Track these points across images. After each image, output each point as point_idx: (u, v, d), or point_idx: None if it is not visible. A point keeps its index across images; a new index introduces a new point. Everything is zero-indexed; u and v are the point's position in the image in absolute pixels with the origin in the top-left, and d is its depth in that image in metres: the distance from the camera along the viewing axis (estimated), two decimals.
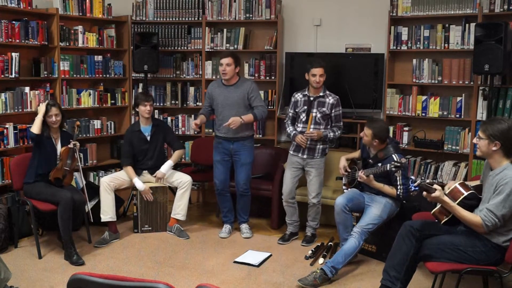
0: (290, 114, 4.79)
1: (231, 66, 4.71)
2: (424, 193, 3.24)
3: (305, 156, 4.67)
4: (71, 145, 4.55)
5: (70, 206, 4.29)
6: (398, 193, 4.11)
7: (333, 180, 5.09)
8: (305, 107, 4.64)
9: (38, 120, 4.44)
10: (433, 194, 3.19)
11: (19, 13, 5.04)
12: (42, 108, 4.48)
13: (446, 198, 3.21)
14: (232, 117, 4.68)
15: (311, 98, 4.63)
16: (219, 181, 4.93)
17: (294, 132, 4.69)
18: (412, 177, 3.27)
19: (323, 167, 4.72)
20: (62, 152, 4.53)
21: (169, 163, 5.00)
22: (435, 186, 3.21)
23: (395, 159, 4.02)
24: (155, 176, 4.99)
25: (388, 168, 3.97)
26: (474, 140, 3.31)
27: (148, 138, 5.05)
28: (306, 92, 4.68)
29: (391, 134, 5.18)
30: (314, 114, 4.58)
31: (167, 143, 5.20)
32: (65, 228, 4.27)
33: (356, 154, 4.60)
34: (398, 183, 4.09)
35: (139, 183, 4.92)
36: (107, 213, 4.79)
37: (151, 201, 4.97)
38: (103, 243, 4.69)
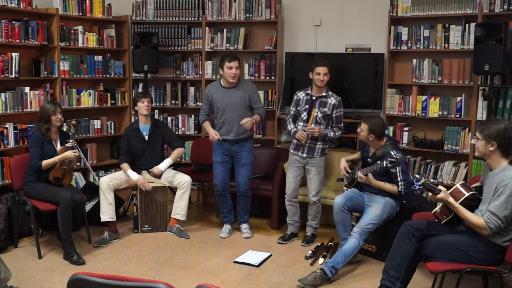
0: (292, 112, 4.79)
1: (239, 69, 4.75)
2: (429, 193, 3.24)
3: (304, 155, 4.67)
4: (68, 144, 4.55)
5: (70, 206, 4.29)
6: (400, 189, 4.11)
7: (333, 180, 5.09)
8: (307, 106, 4.64)
9: (52, 161, 4.44)
10: (438, 196, 3.19)
11: (19, 13, 5.05)
12: (68, 155, 4.46)
13: (451, 199, 3.21)
14: (233, 118, 4.71)
15: (313, 98, 4.63)
16: (219, 182, 4.92)
17: (294, 129, 4.69)
18: (417, 176, 3.26)
19: (323, 166, 4.72)
20: (60, 152, 4.52)
21: (168, 161, 5.00)
22: (440, 187, 3.21)
23: (393, 155, 4.03)
24: (150, 172, 4.98)
25: (384, 165, 3.96)
26: (472, 141, 3.32)
27: (146, 137, 5.05)
28: (309, 91, 4.68)
29: (391, 134, 5.18)
30: (315, 113, 4.58)
31: (167, 143, 5.19)
32: (65, 228, 4.27)
33: (356, 155, 4.60)
34: (399, 179, 4.09)
35: (133, 174, 4.92)
36: (107, 213, 4.79)
37: (151, 201, 4.97)
38: (102, 243, 4.69)
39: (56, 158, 4.44)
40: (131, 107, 6.09)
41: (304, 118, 4.65)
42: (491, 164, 3.25)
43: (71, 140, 4.58)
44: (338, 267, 3.99)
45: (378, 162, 4.12)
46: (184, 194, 4.98)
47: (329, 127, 4.66)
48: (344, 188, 4.57)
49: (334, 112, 4.61)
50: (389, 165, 3.92)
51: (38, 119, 4.51)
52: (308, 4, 5.76)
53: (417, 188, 3.23)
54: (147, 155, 5.06)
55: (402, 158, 4.12)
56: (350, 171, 4.51)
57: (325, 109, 4.59)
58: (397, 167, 4.03)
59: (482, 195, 3.29)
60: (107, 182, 4.82)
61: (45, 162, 4.42)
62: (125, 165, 4.98)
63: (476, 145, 3.26)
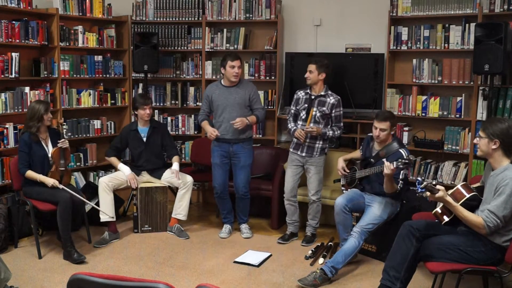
0: (292, 111, 4.80)
1: (241, 69, 4.76)
2: (428, 193, 3.24)
3: (304, 154, 4.67)
4: (60, 144, 4.52)
5: (70, 206, 4.28)
6: (399, 186, 4.07)
7: (331, 181, 5.08)
8: (306, 105, 4.65)
9: (34, 177, 4.40)
10: (437, 195, 3.18)
11: (19, 13, 5.04)
12: (48, 181, 4.39)
13: (449, 199, 3.21)
14: (232, 117, 4.68)
15: (312, 97, 4.63)
16: (218, 185, 4.91)
17: (294, 128, 4.70)
18: (419, 179, 3.24)
19: (323, 165, 4.72)
20: (53, 154, 4.49)
21: (176, 164, 4.99)
22: (438, 186, 3.21)
23: (405, 156, 3.99)
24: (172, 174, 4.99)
25: (395, 166, 3.83)
26: (475, 141, 3.32)
27: (144, 139, 5.05)
28: (308, 90, 4.69)
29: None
30: (314, 112, 4.59)
31: (163, 146, 5.18)
32: (64, 228, 4.26)
33: (354, 154, 4.59)
34: (401, 177, 4.07)
35: (124, 168, 4.93)
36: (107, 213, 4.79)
37: (151, 201, 4.97)
38: (103, 243, 4.69)
39: (38, 178, 4.39)
40: (131, 107, 6.08)
41: (303, 117, 4.66)
42: (493, 164, 3.25)
43: (62, 140, 4.55)
44: (338, 267, 3.99)
45: (384, 160, 4.01)
46: (186, 194, 4.98)
47: (329, 127, 4.66)
48: (342, 188, 4.55)
49: (333, 111, 4.61)
50: (401, 166, 3.82)
51: (29, 118, 4.44)
52: (308, 4, 5.76)
53: (419, 191, 3.22)
54: (146, 157, 5.06)
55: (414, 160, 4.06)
56: (348, 171, 4.50)
57: (324, 108, 4.59)
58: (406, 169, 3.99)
59: (483, 195, 3.29)
60: (107, 182, 4.82)
61: (29, 174, 4.41)
62: (114, 159, 5.02)
63: (478, 144, 3.26)
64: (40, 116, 4.43)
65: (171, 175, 5.01)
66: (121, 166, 4.95)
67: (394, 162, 3.83)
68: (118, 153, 5.12)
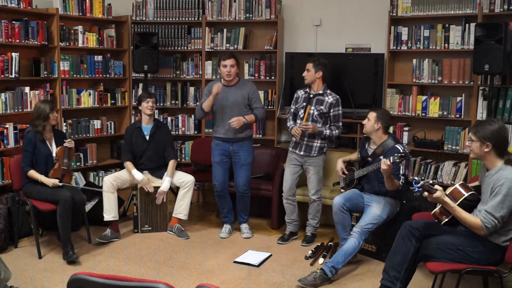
0: (292, 110, 4.80)
1: (234, 67, 4.74)
2: (425, 193, 3.23)
3: (302, 153, 4.67)
4: (66, 144, 4.54)
5: (70, 206, 4.28)
6: (401, 182, 4.08)
7: (332, 181, 5.07)
8: (304, 104, 4.65)
9: (36, 177, 4.41)
10: (435, 195, 3.18)
11: (19, 13, 5.05)
12: (49, 182, 4.40)
13: (447, 199, 3.21)
14: (232, 117, 4.68)
15: (311, 95, 4.64)
16: (218, 183, 4.92)
17: (292, 125, 4.70)
18: (416, 178, 3.25)
19: (322, 165, 4.72)
20: (58, 152, 4.51)
21: (168, 180, 4.97)
22: (436, 186, 3.21)
23: (401, 150, 3.99)
24: (156, 197, 4.99)
25: (392, 160, 3.85)
26: (467, 143, 3.31)
27: (147, 137, 5.05)
28: (307, 89, 4.69)
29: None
30: (311, 111, 4.58)
31: (163, 145, 5.18)
32: (64, 228, 4.26)
33: (353, 156, 4.58)
34: (401, 173, 4.07)
35: (138, 174, 4.92)
36: (110, 212, 4.80)
37: (151, 201, 4.97)
38: (104, 239, 4.70)
39: (39, 178, 4.40)
40: (131, 107, 6.10)
41: (301, 116, 4.66)
42: (487, 165, 3.25)
43: (68, 140, 4.57)
44: (338, 267, 3.99)
45: (381, 157, 4.02)
46: (187, 193, 4.98)
47: (327, 126, 4.65)
48: (342, 190, 4.54)
49: (332, 110, 4.61)
50: (397, 160, 3.83)
51: (35, 118, 4.45)
52: (308, 4, 5.76)
53: (416, 190, 3.22)
54: (148, 155, 5.06)
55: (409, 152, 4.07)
56: (347, 172, 4.50)
57: (322, 107, 4.59)
58: (403, 162, 3.99)
59: (481, 195, 3.29)
60: (111, 181, 4.82)
61: (31, 173, 4.42)
62: (129, 164, 4.98)
63: (471, 147, 3.25)
64: (46, 115, 4.44)
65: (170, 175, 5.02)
66: (135, 172, 4.94)
67: (390, 157, 3.84)
68: (133, 155, 5.07)
